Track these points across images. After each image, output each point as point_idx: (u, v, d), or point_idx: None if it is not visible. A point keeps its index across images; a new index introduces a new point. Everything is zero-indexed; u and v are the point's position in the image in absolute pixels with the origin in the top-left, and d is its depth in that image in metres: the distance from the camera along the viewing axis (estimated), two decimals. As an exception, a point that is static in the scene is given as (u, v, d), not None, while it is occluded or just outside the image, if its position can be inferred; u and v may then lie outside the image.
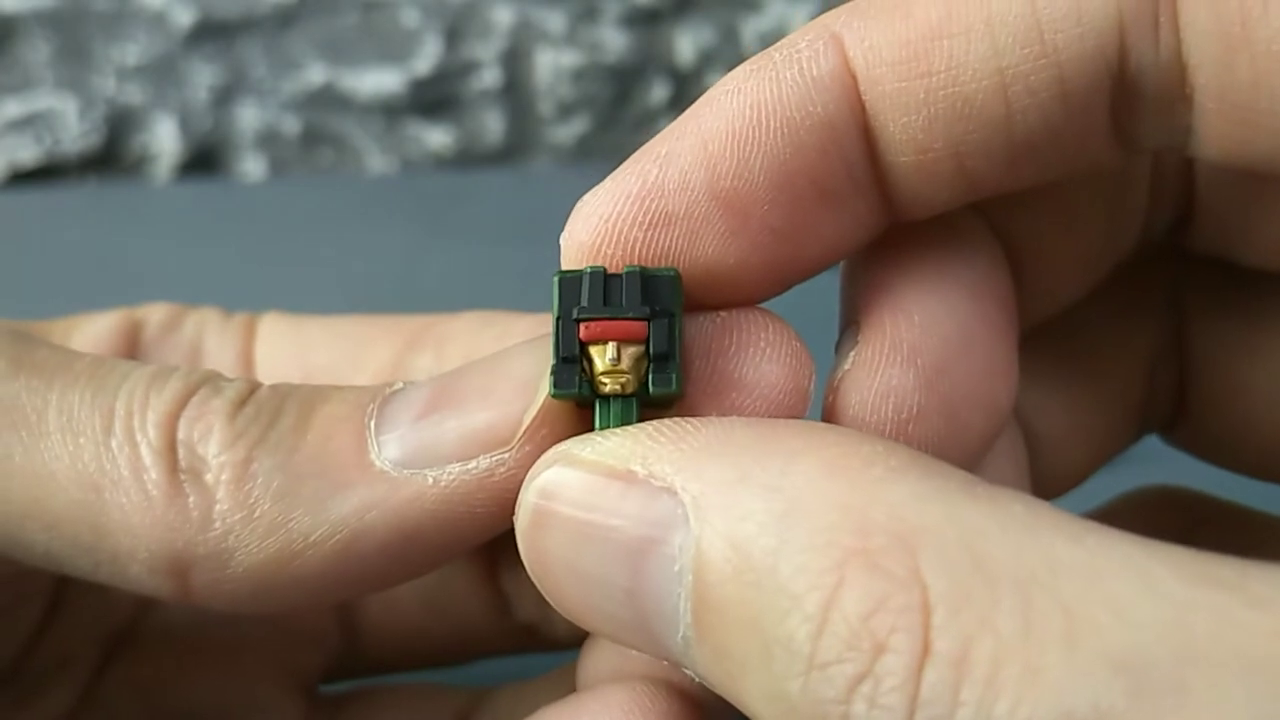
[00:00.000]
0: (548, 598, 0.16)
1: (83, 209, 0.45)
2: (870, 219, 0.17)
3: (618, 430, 0.16)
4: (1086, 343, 0.21)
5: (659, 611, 0.15)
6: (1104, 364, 0.21)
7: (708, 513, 0.14)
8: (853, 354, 0.18)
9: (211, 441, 0.17)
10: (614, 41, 0.45)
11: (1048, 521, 0.13)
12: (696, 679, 0.15)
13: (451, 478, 0.17)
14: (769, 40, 0.45)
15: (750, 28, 0.45)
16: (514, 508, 0.17)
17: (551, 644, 0.24)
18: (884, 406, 0.17)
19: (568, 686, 0.21)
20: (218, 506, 0.17)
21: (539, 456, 0.17)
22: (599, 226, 0.17)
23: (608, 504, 0.15)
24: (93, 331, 0.23)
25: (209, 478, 0.17)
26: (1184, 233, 0.20)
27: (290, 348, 0.23)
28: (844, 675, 0.13)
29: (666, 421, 0.15)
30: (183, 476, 0.17)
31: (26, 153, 0.46)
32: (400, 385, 0.18)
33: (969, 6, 0.16)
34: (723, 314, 0.17)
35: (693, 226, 0.16)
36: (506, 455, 0.17)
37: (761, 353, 0.17)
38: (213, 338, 0.23)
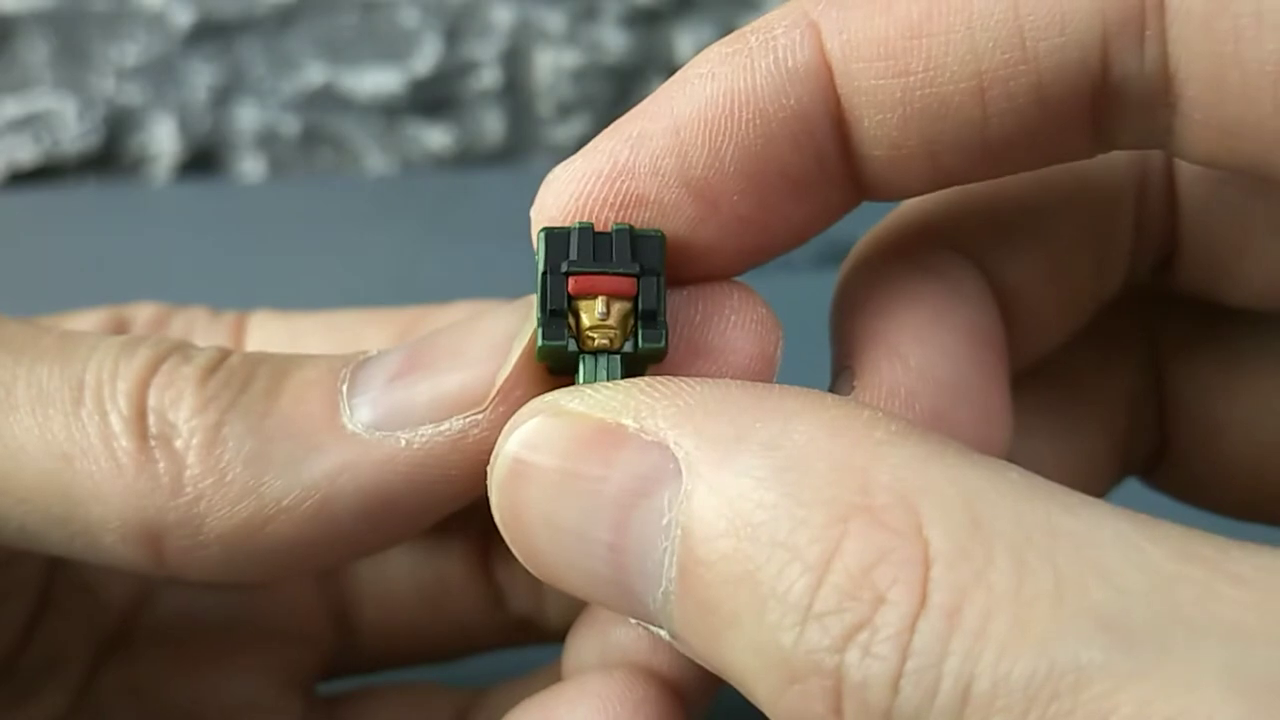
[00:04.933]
0: (517, 553, 0.16)
1: (82, 209, 0.44)
2: (840, 203, 0.17)
3: (608, 384, 0.15)
4: (1065, 386, 0.21)
5: (640, 568, 0.15)
6: (1084, 407, 0.21)
7: (702, 468, 0.14)
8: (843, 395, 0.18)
9: (182, 407, 0.17)
10: (614, 41, 0.45)
11: (1044, 490, 0.13)
12: (667, 637, 0.15)
13: (424, 439, 0.17)
14: (769, 40, 0.45)
15: (750, 27, 0.45)
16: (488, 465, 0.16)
17: (545, 636, 0.24)
18: None
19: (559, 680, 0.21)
20: (188, 472, 0.17)
21: (509, 412, 0.16)
22: (569, 204, 0.17)
23: (596, 456, 0.15)
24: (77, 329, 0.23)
25: (179, 444, 0.17)
26: (1168, 272, 0.20)
27: (282, 341, 0.23)
28: (841, 624, 0.13)
29: (659, 378, 0.15)
30: (153, 443, 0.17)
31: (25, 153, 0.46)
32: (374, 352, 0.18)
33: (950, 6, 0.16)
34: (689, 286, 0.17)
35: (662, 210, 0.16)
36: (480, 416, 0.17)
37: (728, 320, 0.17)
38: (202, 339, 0.23)
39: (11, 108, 0.46)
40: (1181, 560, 0.13)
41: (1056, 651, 0.12)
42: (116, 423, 0.17)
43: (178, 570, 0.18)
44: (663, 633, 0.15)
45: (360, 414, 0.17)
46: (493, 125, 0.47)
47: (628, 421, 0.15)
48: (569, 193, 0.17)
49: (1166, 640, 0.12)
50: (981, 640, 0.12)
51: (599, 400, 0.15)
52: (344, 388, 0.18)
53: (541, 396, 0.16)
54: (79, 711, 0.21)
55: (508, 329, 0.17)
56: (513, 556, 0.16)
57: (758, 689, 0.14)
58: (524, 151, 0.47)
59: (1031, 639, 0.12)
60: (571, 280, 0.16)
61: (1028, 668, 0.12)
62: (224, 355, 0.18)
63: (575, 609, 0.21)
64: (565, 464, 0.15)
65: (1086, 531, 0.13)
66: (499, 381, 0.17)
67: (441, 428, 0.17)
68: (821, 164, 0.17)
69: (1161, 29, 0.15)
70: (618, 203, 0.16)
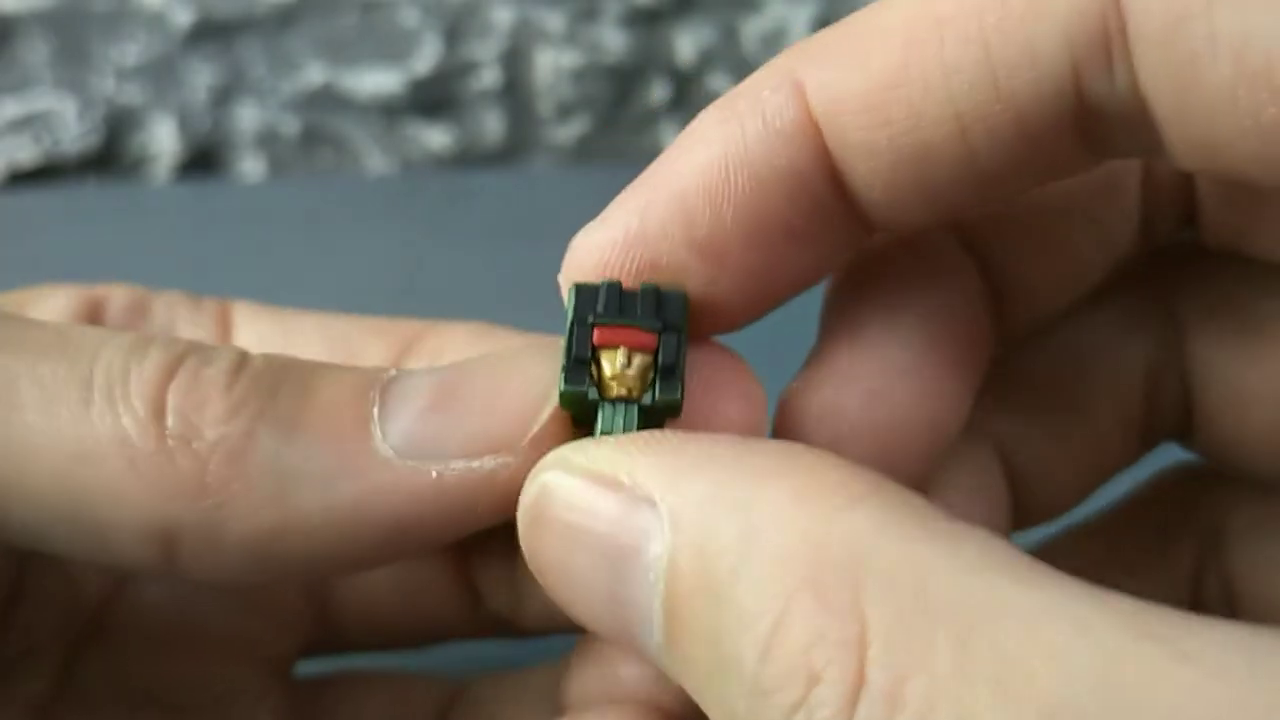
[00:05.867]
0: (549, 593, 0.17)
1: (82, 209, 0.44)
2: (845, 242, 0.18)
3: (610, 439, 0.16)
4: (1077, 367, 0.21)
5: (636, 617, 0.15)
6: (1095, 387, 0.21)
7: (682, 524, 0.15)
8: (800, 373, 0.19)
9: (208, 411, 0.17)
10: (614, 41, 0.45)
11: (998, 562, 0.13)
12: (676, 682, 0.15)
13: (455, 474, 0.17)
14: (769, 40, 0.45)
15: (750, 28, 0.45)
16: (511, 507, 0.17)
17: (523, 633, 0.24)
18: (820, 425, 0.18)
19: (546, 683, 0.22)
20: (212, 477, 0.17)
21: (541, 456, 0.17)
22: (592, 271, 0.18)
23: (594, 509, 0.16)
24: (48, 310, 0.22)
25: (202, 447, 0.17)
26: (1192, 230, 0.20)
27: (277, 341, 0.23)
28: (781, 702, 0.13)
29: (656, 433, 0.16)
30: (172, 444, 0.17)
31: (25, 153, 0.46)
32: (394, 373, 0.18)
33: (925, 54, 0.16)
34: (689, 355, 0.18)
35: (674, 272, 0.17)
36: (511, 460, 0.18)
37: (720, 392, 0.18)
38: (185, 327, 0.23)
39: (11, 108, 0.46)
40: (1133, 638, 0.12)
41: None
42: (131, 424, 0.17)
43: (188, 572, 0.18)
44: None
45: (393, 440, 0.18)
46: (493, 125, 0.47)
47: (623, 477, 0.15)
48: (590, 261, 0.18)
49: None
50: None
51: (600, 455, 0.16)
52: (375, 410, 0.18)
53: (555, 450, 0.17)
54: (59, 700, 0.21)
55: (543, 376, 0.18)
56: (491, 558, 0.17)
57: None
58: (524, 151, 0.47)
59: None
60: (596, 331, 0.17)
61: None
62: (244, 357, 0.18)
63: (551, 611, 0.21)
64: (570, 516, 0.16)
65: (1037, 609, 0.13)
66: (533, 430, 0.18)
67: (473, 464, 0.18)
68: (820, 213, 0.17)
69: (1126, 54, 0.15)
70: (633, 269, 0.17)
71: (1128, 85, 0.16)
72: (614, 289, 0.17)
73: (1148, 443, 0.22)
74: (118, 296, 0.23)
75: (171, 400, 0.17)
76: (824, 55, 0.17)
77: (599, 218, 0.18)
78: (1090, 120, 0.16)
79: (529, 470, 0.17)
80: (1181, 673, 0.12)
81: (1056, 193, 0.19)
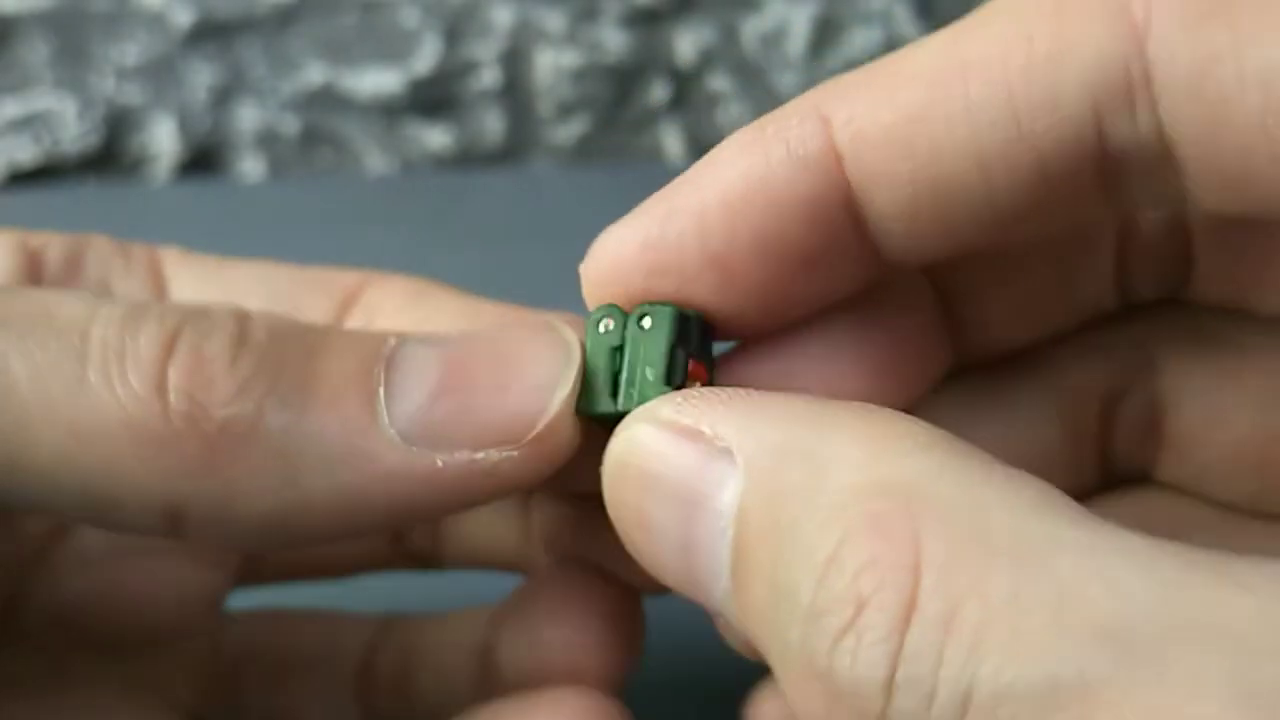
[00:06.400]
0: (623, 542, 0.17)
1: (82, 209, 0.44)
2: (856, 274, 0.18)
3: (695, 392, 0.17)
4: (1026, 380, 0.21)
5: (705, 564, 0.16)
6: (1044, 392, 0.21)
7: (754, 470, 0.15)
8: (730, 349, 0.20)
9: (215, 391, 0.17)
10: (614, 41, 0.45)
11: (1056, 505, 0.14)
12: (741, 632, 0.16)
13: (459, 465, 0.18)
14: (769, 40, 0.45)
15: (750, 28, 0.45)
16: (507, 493, 0.18)
17: (442, 566, 0.25)
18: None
19: (469, 628, 0.23)
20: (220, 460, 0.17)
21: (542, 455, 0.18)
22: (609, 265, 0.18)
23: (674, 458, 0.16)
24: None
25: (210, 429, 0.17)
26: (1185, 287, 0.21)
27: (214, 295, 0.22)
28: (832, 626, 0.14)
29: (736, 389, 0.17)
30: (178, 424, 0.17)
31: (25, 153, 0.46)
32: (394, 342, 0.18)
33: (949, 93, 0.16)
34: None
35: (683, 278, 0.18)
36: (515, 453, 0.18)
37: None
38: (119, 279, 0.23)
39: (11, 108, 0.46)
40: (1187, 569, 0.13)
41: (1060, 662, 0.12)
42: (132, 403, 0.17)
43: (194, 540, 0.18)
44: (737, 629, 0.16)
45: (398, 424, 0.18)
46: (493, 125, 0.47)
47: (705, 428, 0.16)
48: (608, 259, 0.18)
49: (1170, 649, 0.12)
50: (978, 650, 0.13)
51: (686, 408, 0.17)
52: (380, 391, 0.18)
53: (646, 405, 0.17)
54: (5, 642, 0.21)
55: (552, 371, 0.18)
56: None
57: (782, 684, 0.15)
58: (524, 151, 0.47)
59: (1032, 649, 0.12)
60: (691, 362, 0.18)
61: (1031, 677, 0.12)
62: (244, 328, 0.18)
63: (469, 547, 0.24)
64: (651, 465, 0.17)
65: (1093, 542, 0.13)
66: (539, 427, 0.18)
67: (477, 456, 0.18)
68: (834, 242, 0.18)
69: (1151, 100, 0.16)
70: (646, 269, 0.18)
71: (1151, 129, 0.16)
72: (699, 321, 0.18)
73: (1107, 473, 0.22)
74: (54, 247, 0.23)
75: (174, 378, 0.17)
76: (851, 91, 0.17)
77: (623, 220, 0.18)
78: (1111, 164, 0.17)
79: (531, 463, 0.18)
80: (1241, 600, 0.12)
81: (1020, 243, 0.20)
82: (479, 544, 0.24)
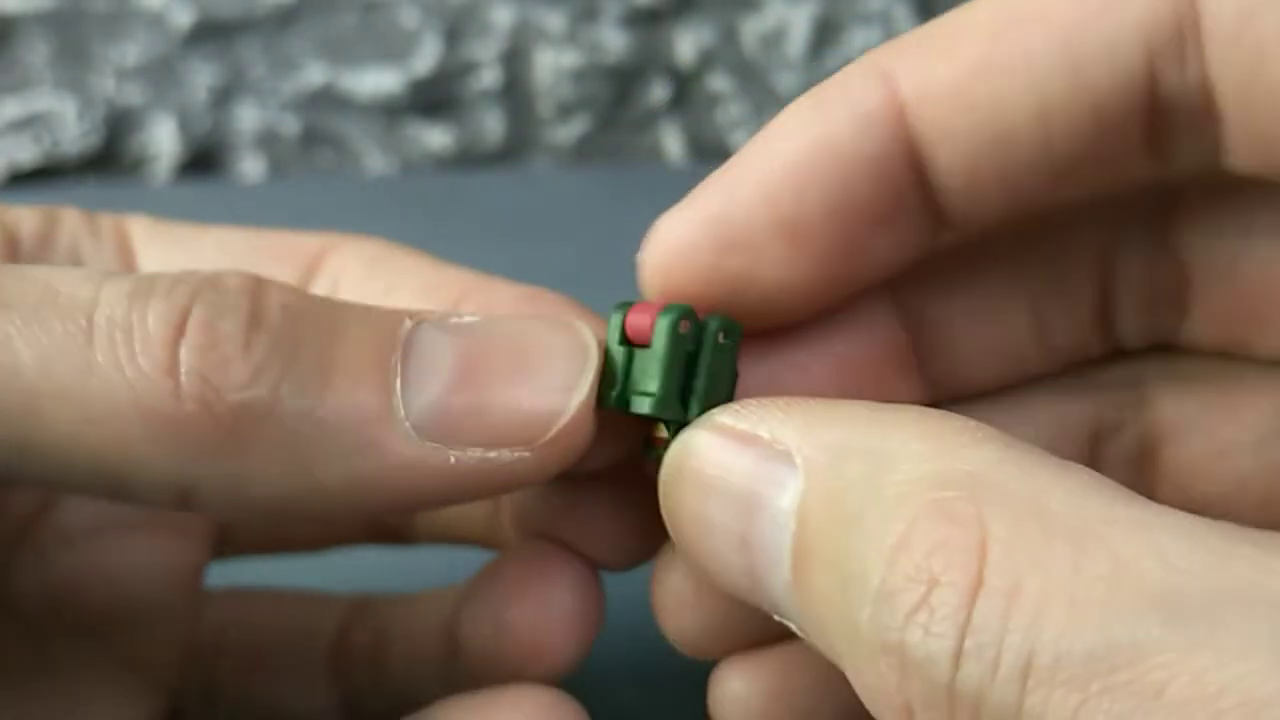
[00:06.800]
0: (678, 546, 0.18)
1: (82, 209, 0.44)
2: (921, 236, 0.19)
3: (753, 402, 0.18)
4: (1012, 423, 0.21)
5: (766, 560, 0.16)
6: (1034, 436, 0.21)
7: (815, 469, 0.16)
8: None
9: (230, 376, 0.17)
10: (614, 41, 0.45)
11: (1109, 488, 0.15)
12: (796, 629, 0.17)
13: (471, 462, 0.18)
14: (769, 40, 0.45)
15: (750, 28, 0.45)
16: (516, 489, 0.19)
17: (411, 542, 0.25)
18: None
19: (441, 605, 0.23)
20: (234, 444, 0.17)
21: (555, 456, 0.18)
22: (676, 247, 0.18)
23: (732, 463, 0.17)
24: None
25: (224, 412, 0.17)
26: (1174, 332, 0.21)
27: (180, 263, 0.22)
28: (904, 604, 0.14)
29: (794, 400, 0.17)
30: (191, 406, 0.16)
31: (25, 153, 0.46)
32: (409, 324, 0.18)
33: (1009, 45, 0.17)
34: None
35: (754, 253, 0.18)
36: (528, 454, 0.18)
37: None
38: (88, 252, 0.22)
39: (11, 108, 0.46)
40: (1234, 542, 0.13)
41: (1115, 628, 0.13)
42: (143, 385, 0.16)
43: (204, 515, 0.18)
44: (792, 625, 0.17)
45: (414, 416, 0.18)
46: (493, 125, 0.47)
47: (763, 433, 0.17)
48: (673, 238, 0.18)
49: (1220, 614, 0.13)
50: (1040, 619, 0.13)
51: (744, 414, 0.17)
52: (396, 382, 0.18)
53: (708, 413, 0.18)
54: None
55: (570, 371, 0.18)
56: None
57: (848, 668, 0.15)
58: (524, 151, 0.47)
59: (1090, 617, 0.13)
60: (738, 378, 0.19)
61: (1088, 643, 0.13)
62: (257, 305, 0.17)
63: (441, 525, 0.24)
64: (710, 470, 0.17)
65: (1144, 518, 0.14)
66: (554, 430, 0.18)
67: (490, 455, 0.18)
68: (900, 201, 0.18)
69: (1199, 47, 0.16)
70: (714, 245, 0.18)
71: (1198, 78, 0.17)
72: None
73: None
74: (27, 221, 0.22)
75: (185, 359, 0.17)
76: (911, 48, 0.18)
77: (680, 204, 0.19)
78: (1159, 116, 0.17)
79: (543, 464, 0.18)
80: None
81: (995, 274, 0.20)
82: (450, 520, 0.24)
